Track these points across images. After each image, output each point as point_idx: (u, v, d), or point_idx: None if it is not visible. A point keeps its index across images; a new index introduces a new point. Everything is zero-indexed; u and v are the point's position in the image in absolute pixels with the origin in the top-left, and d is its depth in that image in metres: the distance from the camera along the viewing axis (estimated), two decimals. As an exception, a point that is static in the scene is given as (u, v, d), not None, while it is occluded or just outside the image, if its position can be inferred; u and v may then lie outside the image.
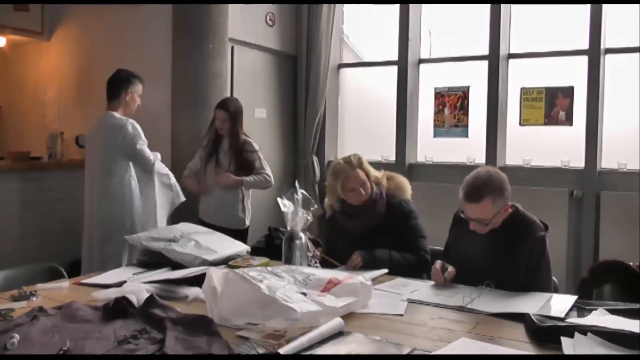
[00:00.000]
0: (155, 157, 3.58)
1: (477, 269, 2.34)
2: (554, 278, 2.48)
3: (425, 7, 5.27)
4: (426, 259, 2.79)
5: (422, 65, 5.30)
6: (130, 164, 3.50)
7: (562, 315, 1.94)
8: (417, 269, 2.74)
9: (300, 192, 2.48)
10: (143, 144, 3.49)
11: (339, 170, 2.87)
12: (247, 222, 4.03)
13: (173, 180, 3.72)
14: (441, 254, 2.66)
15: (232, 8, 4.59)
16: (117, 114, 3.49)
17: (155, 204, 3.59)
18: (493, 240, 2.39)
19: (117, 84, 3.54)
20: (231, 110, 3.90)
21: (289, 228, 2.48)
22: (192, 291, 2.18)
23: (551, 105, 4.67)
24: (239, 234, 3.56)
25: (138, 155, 3.47)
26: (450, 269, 2.42)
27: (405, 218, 2.89)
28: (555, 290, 2.44)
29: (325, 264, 2.64)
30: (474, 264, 2.41)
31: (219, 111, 3.92)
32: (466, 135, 5.01)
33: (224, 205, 3.90)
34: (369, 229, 2.86)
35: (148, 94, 3.83)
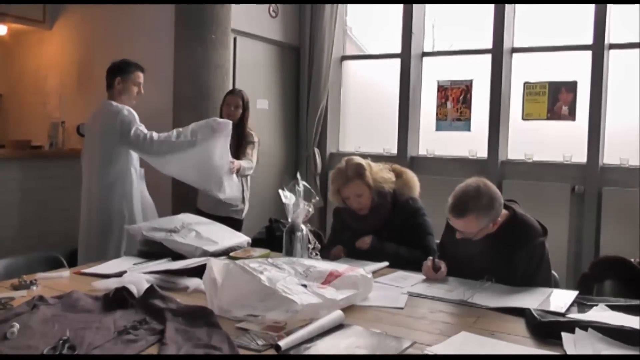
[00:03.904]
0: (150, 135, 3.36)
1: (474, 271, 2.33)
2: (554, 273, 2.48)
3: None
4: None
5: (425, 59, 5.28)
6: (131, 152, 3.48)
7: (563, 310, 1.94)
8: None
9: (302, 184, 2.47)
10: (139, 127, 3.40)
11: (335, 177, 2.87)
12: (244, 214, 4.04)
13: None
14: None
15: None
16: (113, 102, 3.48)
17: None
18: (489, 244, 2.36)
19: (110, 73, 3.54)
20: (245, 99, 4.01)
21: (290, 220, 2.48)
22: (193, 282, 2.17)
23: (554, 100, 4.66)
24: (235, 223, 3.60)
25: (135, 139, 3.39)
26: (443, 267, 2.41)
27: (412, 216, 2.86)
28: (556, 285, 2.43)
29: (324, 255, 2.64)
30: (470, 265, 2.39)
31: (233, 97, 4.02)
32: (468, 129, 5.00)
33: None
34: (372, 229, 2.84)
35: (149, 84, 3.80)
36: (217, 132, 3.36)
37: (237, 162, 3.72)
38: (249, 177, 4.05)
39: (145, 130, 3.39)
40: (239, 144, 3.95)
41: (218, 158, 3.38)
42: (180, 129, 3.41)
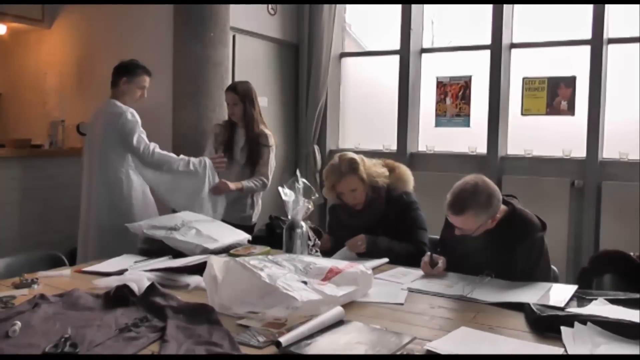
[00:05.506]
0: (154, 147, 3.44)
1: (473, 266, 2.34)
2: (554, 267, 2.48)
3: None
4: (424, 251, 2.74)
5: (424, 55, 5.28)
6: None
7: (562, 305, 1.95)
8: (415, 259, 2.72)
9: (302, 181, 2.48)
10: (142, 134, 3.43)
11: (329, 174, 2.87)
12: (255, 219, 3.87)
13: (192, 163, 3.47)
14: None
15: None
16: (117, 102, 3.48)
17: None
18: (489, 239, 2.36)
19: (116, 72, 3.53)
20: (239, 91, 3.67)
21: (289, 217, 2.48)
22: (193, 279, 2.18)
23: (553, 95, 4.65)
24: (244, 230, 3.47)
25: (137, 145, 3.40)
26: (441, 263, 2.42)
27: (405, 210, 2.87)
28: (555, 279, 2.44)
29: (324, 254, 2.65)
30: (469, 261, 2.39)
31: (227, 94, 3.75)
32: (468, 125, 5.00)
33: (232, 200, 3.70)
34: (367, 225, 2.85)
35: (149, 82, 3.81)
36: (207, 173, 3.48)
37: (232, 185, 3.53)
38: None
39: (147, 140, 3.41)
40: (251, 149, 3.66)
41: (205, 195, 3.49)
42: (184, 156, 3.50)
